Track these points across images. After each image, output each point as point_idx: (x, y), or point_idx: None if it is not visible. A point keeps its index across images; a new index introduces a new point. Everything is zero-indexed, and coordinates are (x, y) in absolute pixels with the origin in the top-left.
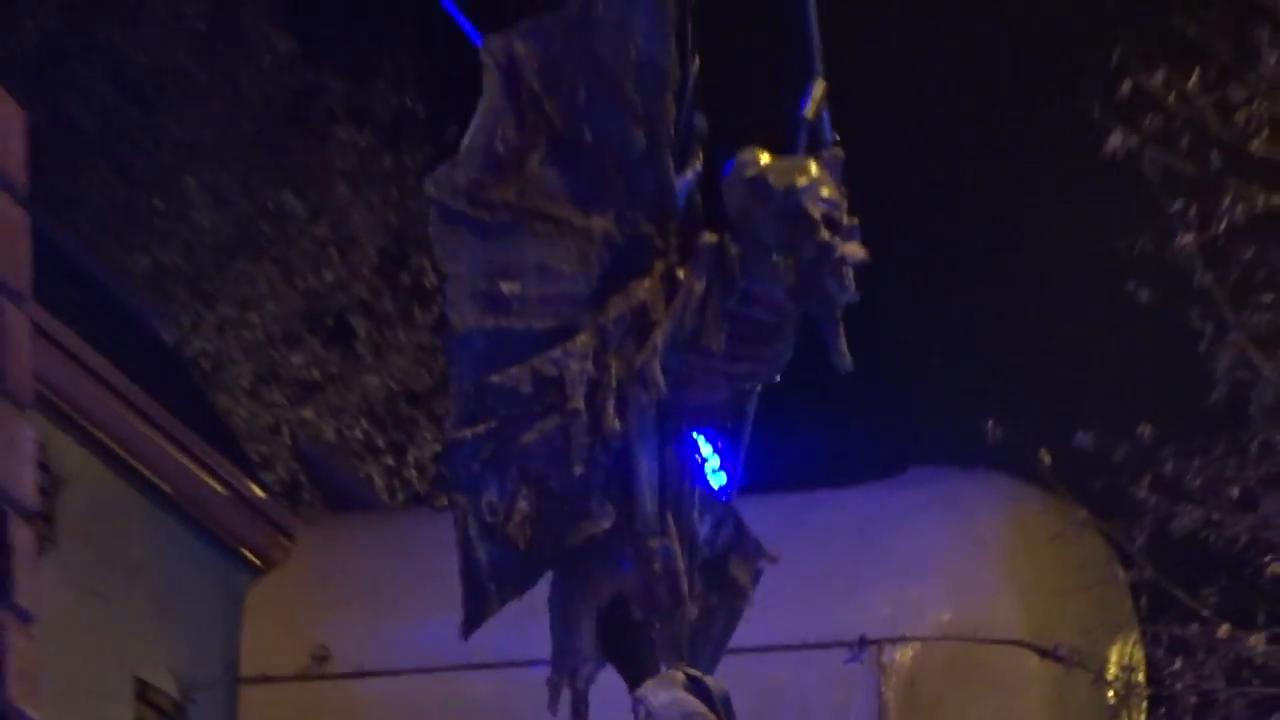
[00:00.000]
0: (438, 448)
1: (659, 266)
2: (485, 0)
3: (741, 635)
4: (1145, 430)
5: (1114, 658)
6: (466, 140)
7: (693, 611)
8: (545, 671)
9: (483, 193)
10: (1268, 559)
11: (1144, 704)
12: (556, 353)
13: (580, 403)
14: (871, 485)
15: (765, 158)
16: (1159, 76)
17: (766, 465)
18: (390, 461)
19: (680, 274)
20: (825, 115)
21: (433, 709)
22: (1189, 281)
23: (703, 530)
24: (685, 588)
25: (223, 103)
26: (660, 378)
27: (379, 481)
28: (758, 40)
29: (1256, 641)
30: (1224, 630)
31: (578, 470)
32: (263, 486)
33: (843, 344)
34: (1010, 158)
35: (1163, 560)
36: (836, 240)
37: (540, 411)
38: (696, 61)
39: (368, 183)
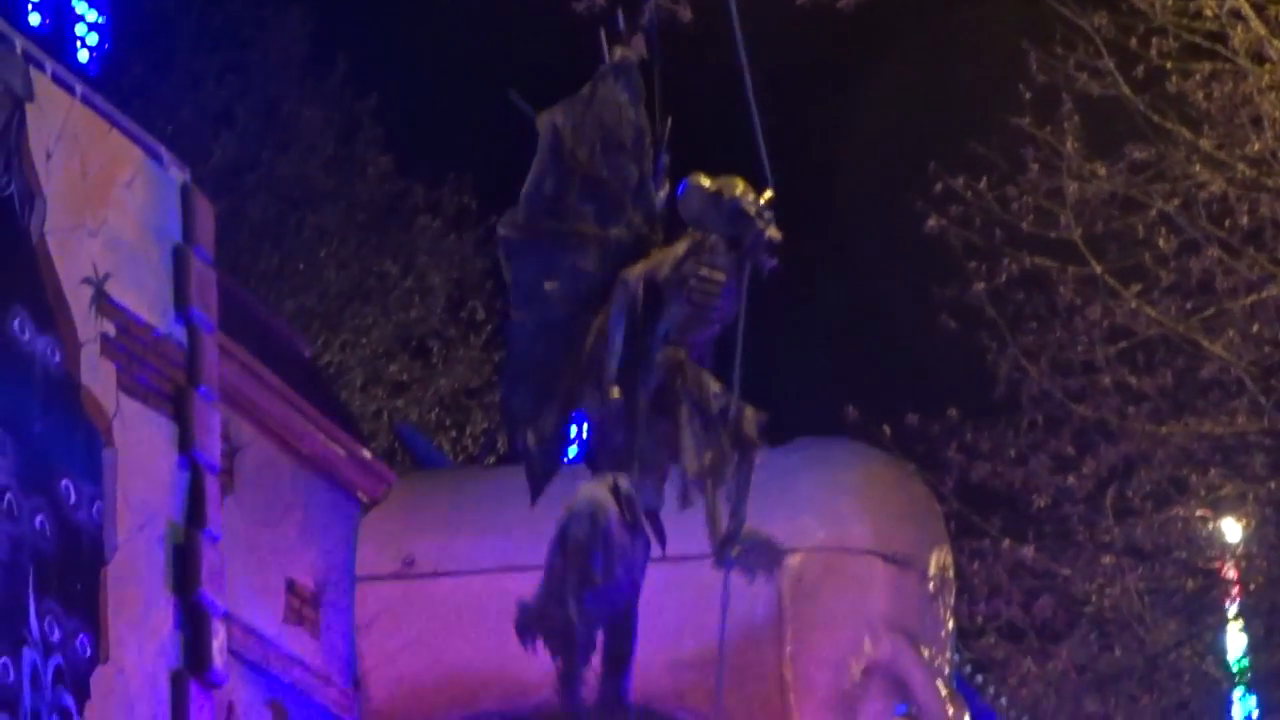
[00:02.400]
0: (485, 427)
1: (653, 252)
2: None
3: (687, 547)
4: (953, 412)
5: (933, 561)
6: (525, 188)
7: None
8: None
9: (536, 223)
10: (1034, 497)
11: (952, 593)
12: (582, 323)
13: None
14: (773, 450)
15: (706, 179)
16: (960, 180)
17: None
18: (454, 434)
19: (657, 255)
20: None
21: (485, 598)
22: (981, 315)
23: (719, 403)
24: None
25: (344, 200)
26: (638, 290)
27: (446, 447)
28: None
29: (1027, 551)
30: (1006, 544)
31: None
32: (370, 450)
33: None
34: (866, 236)
35: (965, 498)
36: (763, 226)
37: (569, 364)
38: (668, 122)
39: (439, 253)
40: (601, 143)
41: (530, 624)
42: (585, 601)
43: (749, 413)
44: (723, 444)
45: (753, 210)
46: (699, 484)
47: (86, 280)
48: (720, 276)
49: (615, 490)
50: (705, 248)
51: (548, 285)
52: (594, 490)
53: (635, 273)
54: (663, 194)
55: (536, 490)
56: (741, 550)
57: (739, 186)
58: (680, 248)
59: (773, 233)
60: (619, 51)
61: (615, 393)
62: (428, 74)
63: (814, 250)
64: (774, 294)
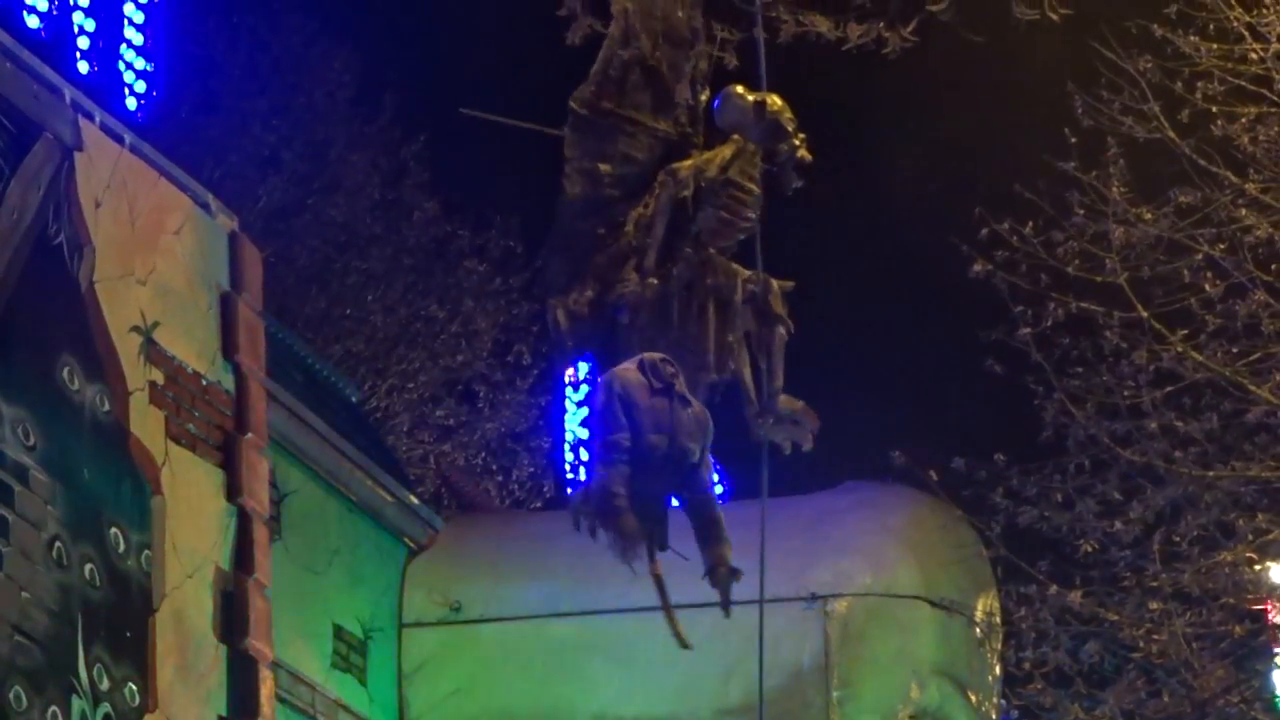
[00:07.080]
0: (532, 471)
1: (694, 153)
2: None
3: (736, 592)
4: (999, 457)
5: (980, 606)
6: (596, 66)
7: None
8: (609, 619)
9: (597, 101)
10: (1080, 542)
11: (999, 638)
12: (625, 209)
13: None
14: (819, 493)
15: (746, 90)
16: (1006, 224)
17: (751, 481)
18: (500, 479)
19: (704, 155)
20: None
21: (531, 644)
22: (1027, 359)
23: (750, 287)
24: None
25: (390, 244)
26: (689, 184)
27: (493, 492)
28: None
29: (1074, 596)
30: (1053, 590)
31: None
32: (417, 496)
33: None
34: (912, 281)
35: (1011, 543)
36: (798, 144)
37: (609, 244)
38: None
39: (485, 297)
40: (662, 34)
41: (576, 508)
42: (614, 464)
43: (775, 285)
44: (748, 323)
45: (790, 127)
46: (725, 364)
47: (135, 328)
48: (756, 189)
49: (640, 362)
50: (749, 156)
51: (602, 167)
52: (617, 367)
53: (685, 168)
54: (703, 99)
55: (559, 367)
56: (773, 423)
57: (779, 102)
58: (727, 151)
59: (805, 153)
60: None
61: (653, 282)
62: (474, 117)
63: (861, 294)
64: (822, 338)
